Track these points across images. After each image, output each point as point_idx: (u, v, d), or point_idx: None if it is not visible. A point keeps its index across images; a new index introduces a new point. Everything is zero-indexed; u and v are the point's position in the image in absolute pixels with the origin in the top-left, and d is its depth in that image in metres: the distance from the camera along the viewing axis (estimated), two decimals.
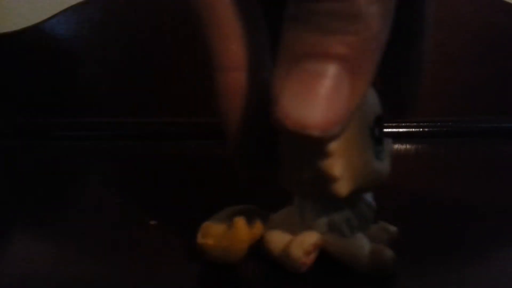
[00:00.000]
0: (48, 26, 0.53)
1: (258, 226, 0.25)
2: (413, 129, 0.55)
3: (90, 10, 0.53)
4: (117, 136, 0.54)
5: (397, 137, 0.54)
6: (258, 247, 0.25)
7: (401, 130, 0.54)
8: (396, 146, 0.53)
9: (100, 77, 0.55)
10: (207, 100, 0.54)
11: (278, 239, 0.25)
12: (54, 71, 0.55)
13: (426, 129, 0.55)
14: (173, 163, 0.47)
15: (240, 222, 0.24)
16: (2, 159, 0.49)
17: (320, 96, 0.16)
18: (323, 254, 0.25)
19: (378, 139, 0.22)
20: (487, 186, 0.41)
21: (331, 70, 0.16)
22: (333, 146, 0.20)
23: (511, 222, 0.33)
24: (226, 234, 0.24)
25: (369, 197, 0.25)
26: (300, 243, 0.24)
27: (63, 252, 0.28)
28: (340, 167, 0.20)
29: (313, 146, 0.19)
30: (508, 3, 0.54)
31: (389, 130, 0.54)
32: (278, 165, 0.22)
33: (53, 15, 0.53)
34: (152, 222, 0.30)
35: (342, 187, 0.20)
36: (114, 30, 0.54)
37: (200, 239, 0.25)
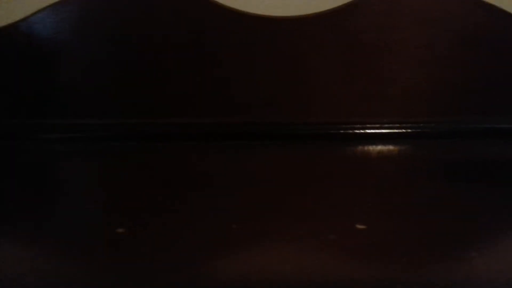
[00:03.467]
0: (25, 26, 0.52)
1: None
2: (396, 130, 0.54)
3: (69, 9, 0.52)
4: (100, 137, 0.53)
5: (380, 138, 0.55)
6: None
7: (384, 131, 0.54)
8: (379, 147, 0.53)
9: (81, 78, 0.54)
10: (193, 100, 0.54)
11: None
12: (32, 71, 0.53)
13: (410, 130, 0.55)
14: (157, 165, 0.46)
15: None
16: None
17: None
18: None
19: None
20: (471, 186, 0.41)
21: None
22: None
23: (495, 221, 0.33)
24: None
25: None
26: None
27: (40, 254, 0.28)
28: None
29: None
30: (492, 5, 0.54)
31: (373, 131, 0.54)
32: None
33: (31, 14, 0.52)
34: (120, 230, 0.30)
35: None
36: (94, 29, 0.53)
37: None
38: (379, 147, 0.53)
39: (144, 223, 0.32)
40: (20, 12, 0.53)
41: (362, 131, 0.54)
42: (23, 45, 0.53)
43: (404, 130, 0.55)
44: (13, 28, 0.52)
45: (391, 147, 0.53)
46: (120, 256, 0.28)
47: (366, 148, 0.52)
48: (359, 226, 0.29)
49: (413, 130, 0.54)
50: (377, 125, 0.54)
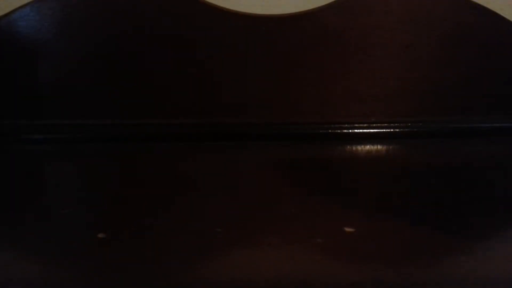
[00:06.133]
0: (6, 23, 0.51)
1: None
2: (384, 130, 0.54)
3: (50, 6, 0.51)
4: (84, 139, 0.52)
5: (368, 138, 0.54)
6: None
7: (372, 130, 0.54)
8: (368, 147, 0.52)
9: (60, 78, 0.52)
10: (176, 100, 0.53)
11: None
12: (11, 71, 0.52)
13: (397, 130, 0.55)
14: (142, 167, 0.46)
15: None
16: None
17: None
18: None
19: None
20: (461, 187, 0.41)
21: None
22: None
23: (485, 223, 0.33)
24: None
25: None
26: None
27: (24, 259, 0.27)
28: None
29: None
30: (477, 4, 0.54)
31: (360, 130, 0.54)
32: None
33: (10, 12, 0.51)
34: (101, 235, 0.29)
35: None
36: (76, 27, 0.52)
37: None
38: (368, 147, 0.52)
39: (128, 226, 0.31)
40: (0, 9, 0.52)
41: (350, 130, 0.53)
42: (4, 42, 0.51)
43: (392, 130, 0.54)
44: None
45: (379, 147, 0.53)
46: (103, 261, 0.27)
47: (354, 148, 0.52)
48: (348, 229, 0.28)
49: (402, 129, 0.54)
50: (365, 125, 0.54)
